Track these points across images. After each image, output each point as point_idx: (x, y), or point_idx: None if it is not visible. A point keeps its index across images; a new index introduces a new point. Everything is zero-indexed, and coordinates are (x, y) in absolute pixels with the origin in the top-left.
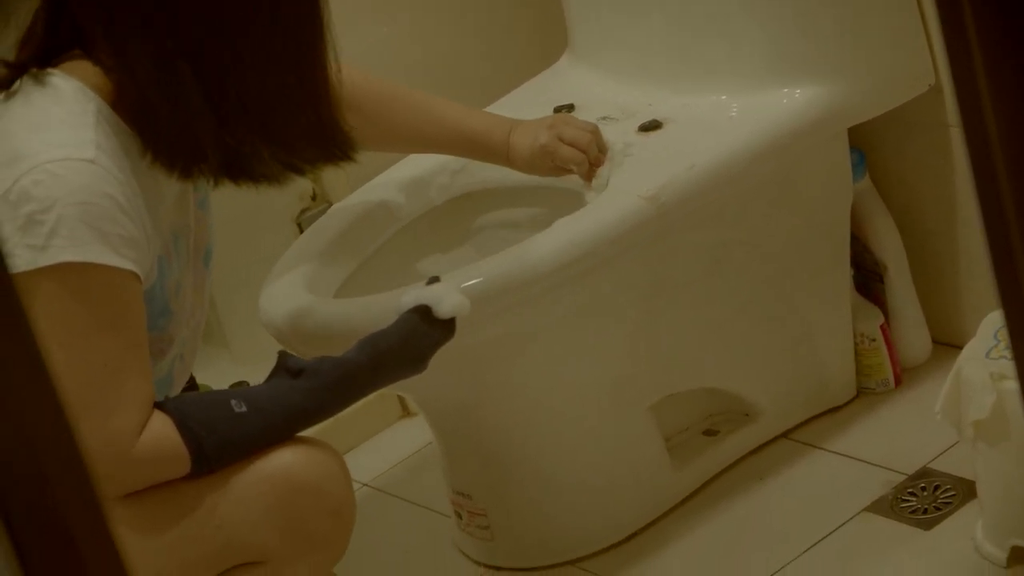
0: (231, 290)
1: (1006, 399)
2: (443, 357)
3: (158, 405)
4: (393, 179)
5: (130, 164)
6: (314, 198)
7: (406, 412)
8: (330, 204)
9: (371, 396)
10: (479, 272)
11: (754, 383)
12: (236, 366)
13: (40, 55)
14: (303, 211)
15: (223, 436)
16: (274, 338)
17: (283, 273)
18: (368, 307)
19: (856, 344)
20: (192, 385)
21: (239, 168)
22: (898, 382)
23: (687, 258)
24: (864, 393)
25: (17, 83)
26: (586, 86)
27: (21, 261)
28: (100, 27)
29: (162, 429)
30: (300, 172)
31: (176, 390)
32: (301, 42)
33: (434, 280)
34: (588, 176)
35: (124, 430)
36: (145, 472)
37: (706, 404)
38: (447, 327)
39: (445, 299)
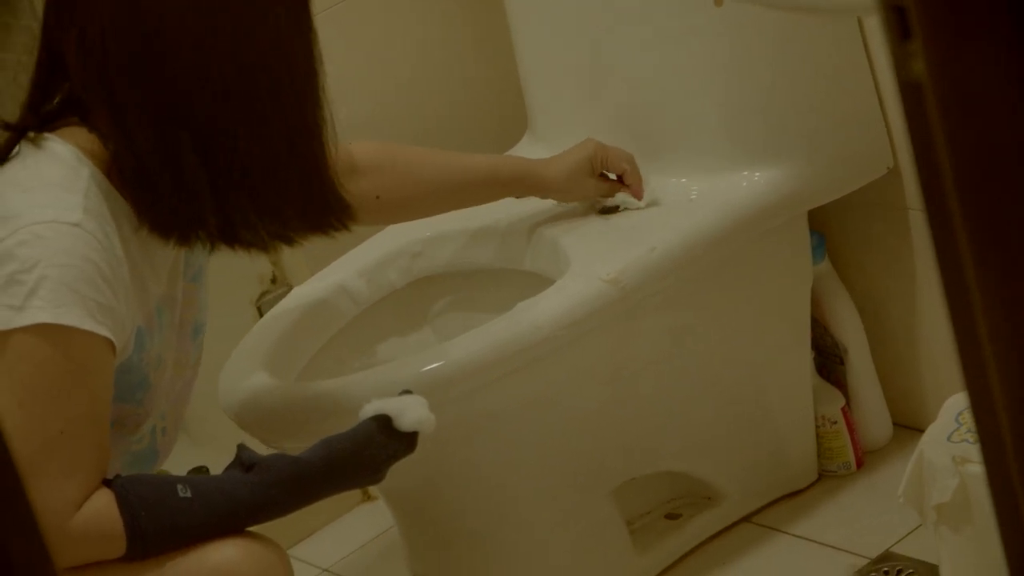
0: None
1: (969, 483)
2: None
3: (106, 481)
4: (353, 262)
5: (120, 232)
6: (274, 281)
7: (367, 496)
8: (290, 287)
9: None
10: (440, 356)
11: (716, 466)
12: (195, 449)
13: (39, 120)
14: (263, 294)
15: (162, 519)
16: (234, 422)
17: (243, 357)
18: (329, 391)
19: (817, 427)
20: None
21: (233, 234)
22: (859, 465)
23: (648, 341)
24: (826, 476)
25: (17, 147)
26: None
27: None
28: (100, 97)
29: (102, 505)
30: (289, 242)
31: (162, 463)
32: (298, 115)
33: (406, 392)
34: (637, 189)
35: (65, 501)
36: (79, 546)
37: (668, 488)
38: (407, 441)
39: (408, 412)
